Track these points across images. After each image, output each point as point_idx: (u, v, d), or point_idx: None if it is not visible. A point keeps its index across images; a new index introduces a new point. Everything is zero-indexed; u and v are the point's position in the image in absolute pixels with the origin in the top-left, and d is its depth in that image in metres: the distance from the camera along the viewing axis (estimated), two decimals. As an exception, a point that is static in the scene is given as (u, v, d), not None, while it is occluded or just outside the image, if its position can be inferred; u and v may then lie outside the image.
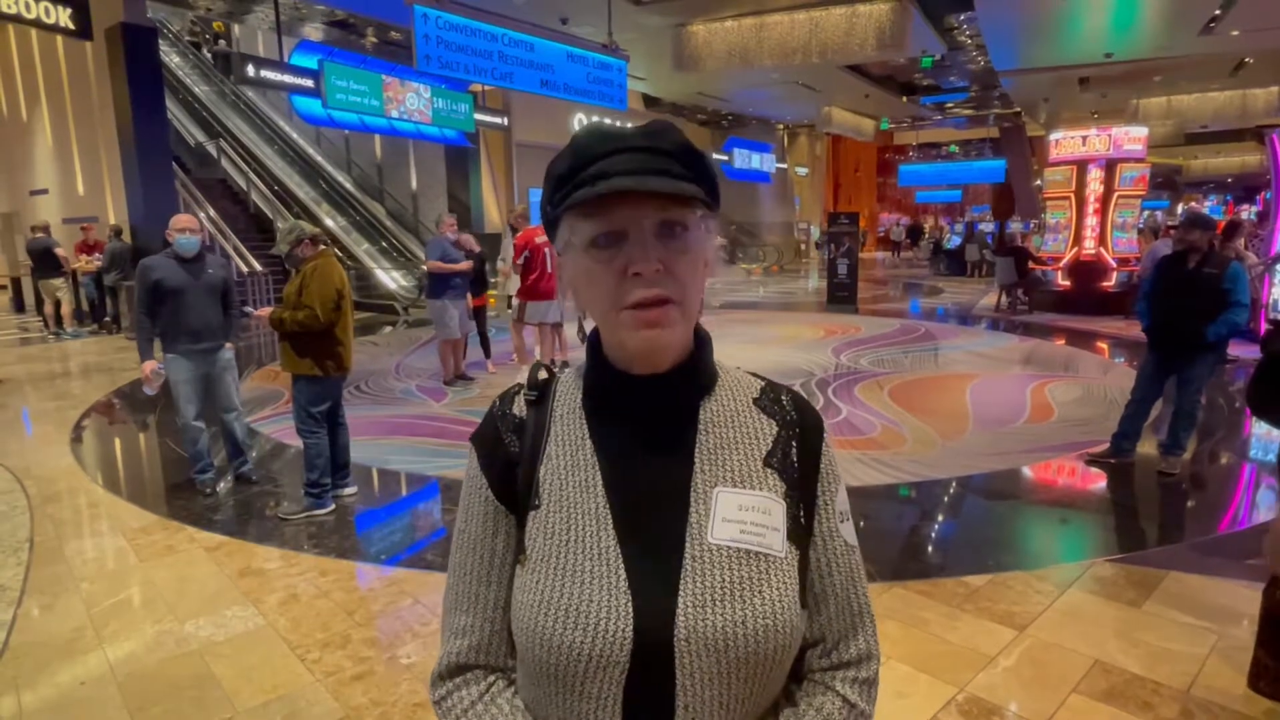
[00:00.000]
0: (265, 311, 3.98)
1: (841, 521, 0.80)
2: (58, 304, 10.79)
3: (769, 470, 0.77)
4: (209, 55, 16.64)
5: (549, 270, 6.56)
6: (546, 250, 6.56)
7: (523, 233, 6.66)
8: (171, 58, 15.92)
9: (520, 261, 6.55)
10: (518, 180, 16.14)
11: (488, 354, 7.84)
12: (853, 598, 0.80)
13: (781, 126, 24.56)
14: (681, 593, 0.70)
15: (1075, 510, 4.18)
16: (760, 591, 0.71)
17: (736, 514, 0.74)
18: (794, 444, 0.79)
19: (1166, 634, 2.77)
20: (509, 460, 0.79)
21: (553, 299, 6.67)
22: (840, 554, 0.79)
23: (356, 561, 3.55)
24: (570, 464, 0.77)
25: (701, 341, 0.80)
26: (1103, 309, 11.43)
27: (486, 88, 12.57)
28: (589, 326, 0.80)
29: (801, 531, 0.77)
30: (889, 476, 4.54)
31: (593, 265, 0.72)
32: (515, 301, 6.80)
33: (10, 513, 4.12)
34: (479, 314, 7.62)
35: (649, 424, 0.78)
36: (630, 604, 0.70)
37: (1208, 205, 26.54)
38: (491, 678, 0.79)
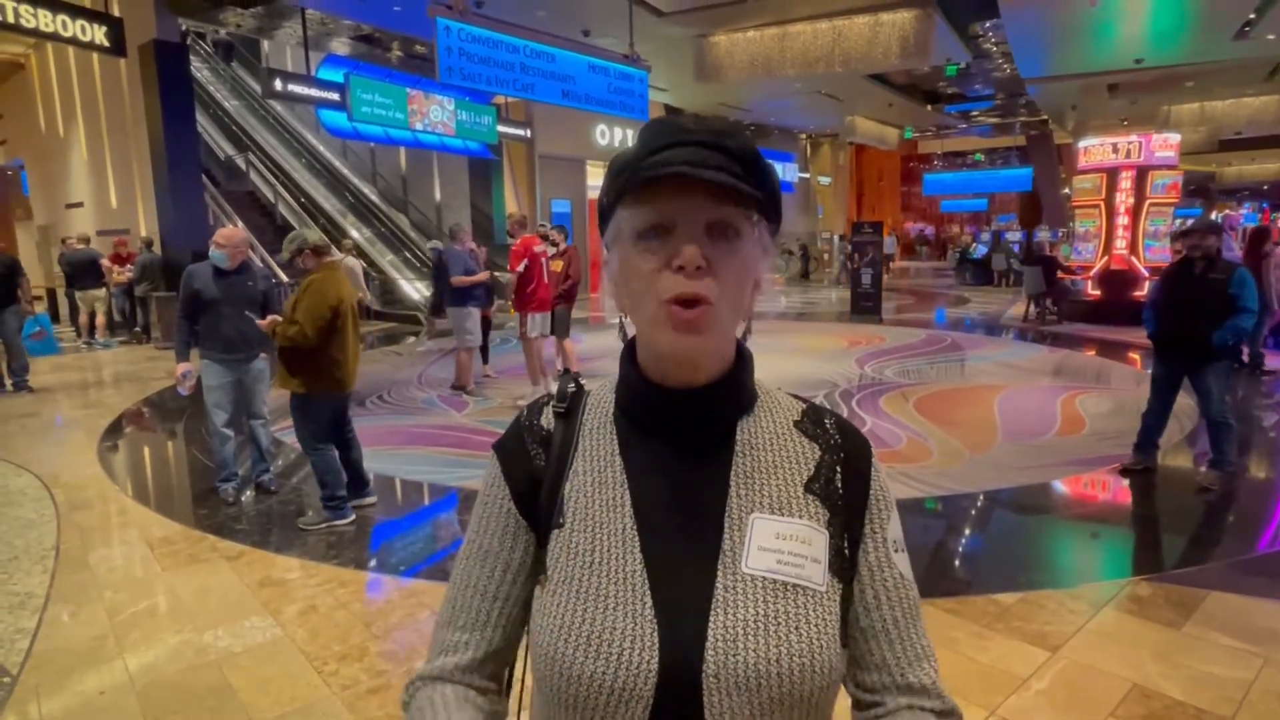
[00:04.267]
0: (267, 322, 3.93)
1: (895, 551, 0.75)
2: (92, 314, 11.01)
3: (810, 497, 0.72)
4: (210, 44, 16.89)
5: (544, 281, 6.57)
6: (544, 260, 6.58)
7: (521, 240, 6.54)
8: (202, 72, 16.28)
9: (520, 269, 6.52)
10: (540, 191, 16.22)
11: (485, 360, 8.13)
12: (913, 637, 0.73)
13: (804, 136, 24.46)
14: (711, 625, 0.66)
15: (1110, 526, 4.06)
16: (797, 627, 0.66)
17: (774, 542, 0.69)
18: (838, 470, 0.74)
19: (1209, 657, 2.66)
20: (532, 474, 0.76)
21: (548, 310, 6.68)
22: (894, 587, 0.73)
23: (375, 573, 3.54)
24: (598, 481, 0.74)
25: (743, 359, 0.76)
26: (1134, 319, 11.04)
27: (509, 100, 12.67)
28: (630, 330, 0.77)
29: (846, 564, 0.71)
30: (915, 490, 4.44)
31: (637, 256, 0.69)
32: (516, 314, 6.81)
33: (38, 520, 4.17)
34: (485, 324, 7.86)
35: (683, 442, 0.74)
36: (656, 634, 0.66)
37: (1243, 212, 25.91)
38: (467, 691, 0.74)
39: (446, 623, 0.77)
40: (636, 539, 0.70)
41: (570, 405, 0.79)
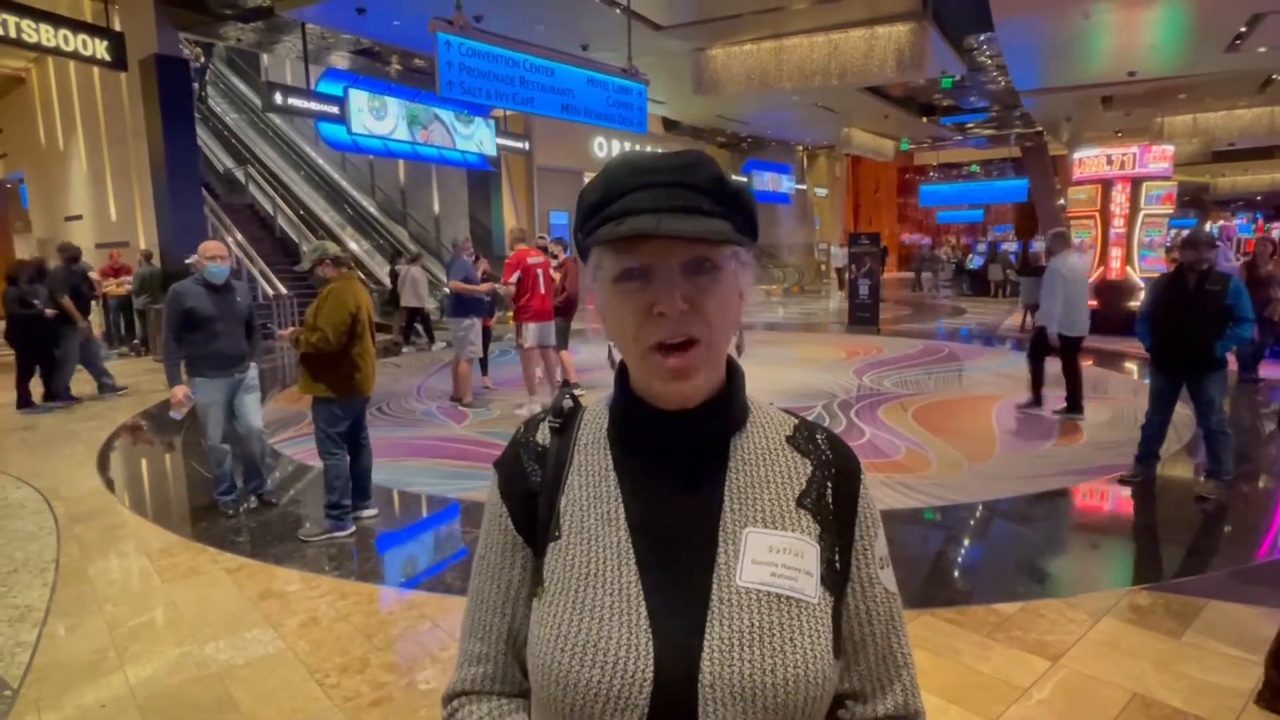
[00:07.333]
0: (288, 332, 4.08)
1: (881, 568, 0.77)
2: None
3: (802, 511, 0.74)
4: (194, 45, 16.88)
5: (541, 291, 6.64)
6: (539, 271, 6.64)
7: (515, 253, 6.65)
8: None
9: (513, 281, 6.59)
10: (539, 203, 16.28)
11: (485, 371, 8.16)
12: (895, 648, 0.76)
13: (801, 148, 24.57)
14: (708, 635, 0.67)
15: (1108, 536, 4.07)
16: (791, 638, 0.67)
17: (767, 555, 0.70)
18: (829, 485, 0.76)
19: (1209, 666, 2.67)
20: (529, 490, 0.78)
21: (548, 319, 6.74)
22: (880, 601, 0.76)
23: (376, 584, 3.54)
24: (593, 495, 0.75)
25: (734, 376, 0.77)
26: (1130, 329, 11.15)
27: (508, 113, 12.73)
28: (618, 355, 0.78)
29: (837, 577, 0.73)
30: (914, 500, 4.46)
31: (618, 300, 0.71)
32: (514, 325, 6.88)
33: (38, 533, 4.17)
34: (485, 335, 7.92)
35: (676, 458, 0.75)
36: (651, 643, 0.67)
37: (1237, 223, 26.07)
38: (504, 702, 0.77)
39: (467, 634, 0.80)
40: (631, 552, 0.71)
41: (566, 421, 0.80)
